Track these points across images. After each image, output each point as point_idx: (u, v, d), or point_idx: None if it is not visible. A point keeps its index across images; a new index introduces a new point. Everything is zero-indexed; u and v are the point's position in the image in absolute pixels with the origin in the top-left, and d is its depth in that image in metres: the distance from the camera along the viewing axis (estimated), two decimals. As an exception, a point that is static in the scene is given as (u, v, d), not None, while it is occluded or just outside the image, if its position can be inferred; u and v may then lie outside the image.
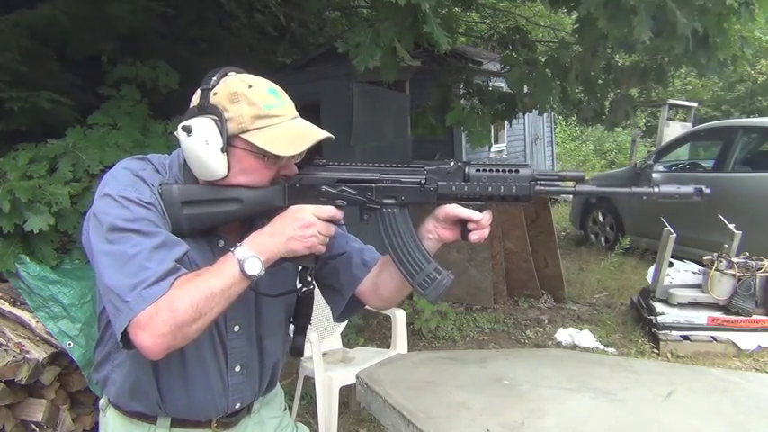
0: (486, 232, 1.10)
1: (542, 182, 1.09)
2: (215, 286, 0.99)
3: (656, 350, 3.81)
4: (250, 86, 1.07)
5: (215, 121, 1.05)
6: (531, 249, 4.65)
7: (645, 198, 1.08)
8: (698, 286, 4.05)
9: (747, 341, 3.71)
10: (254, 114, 1.06)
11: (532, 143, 11.09)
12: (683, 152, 6.78)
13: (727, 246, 3.94)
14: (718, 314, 3.84)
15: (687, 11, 2.68)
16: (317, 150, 1.11)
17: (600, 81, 4.08)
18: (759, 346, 3.70)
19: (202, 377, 1.14)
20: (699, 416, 1.33)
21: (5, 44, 2.94)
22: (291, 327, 1.29)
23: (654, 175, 1.11)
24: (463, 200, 1.09)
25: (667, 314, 3.92)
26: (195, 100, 1.09)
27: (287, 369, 3.00)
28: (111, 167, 1.11)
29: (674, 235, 3.94)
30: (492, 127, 6.17)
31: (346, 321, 3.14)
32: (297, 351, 1.26)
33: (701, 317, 3.85)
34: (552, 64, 3.84)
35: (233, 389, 1.19)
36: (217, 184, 1.09)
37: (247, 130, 1.05)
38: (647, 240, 5.78)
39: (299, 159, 1.13)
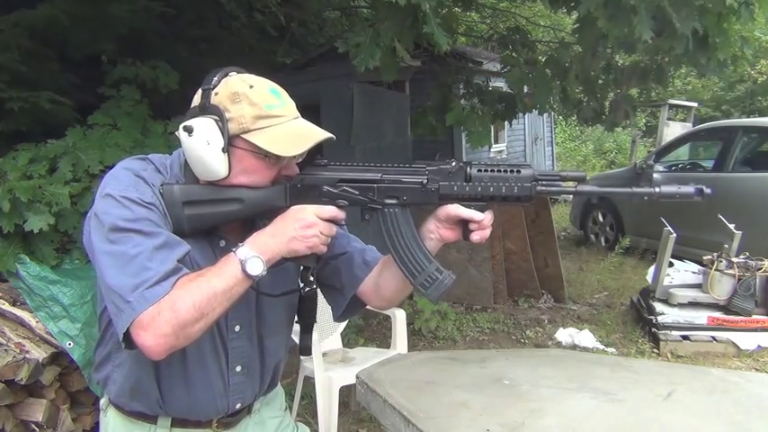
0: (487, 232, 1.10)
1: (544, 182, 1.09)
2: (217, 286, 0.99)
3: (656, 350, 3.81)
4: (251, 86, 1.07)
5: (216, 121, 1.05)
6: (531, 249, 4.65)
7: (646, 198, 1.09)
8: (698, 286, 4.05)
9: (747, 341, 3.71)
10: (256, 114, 1.06)
11: (532, 143, 11.10)
12: (683, 152, 6.78)
13: (727, 246, 3.94)
14: (718, 314, 3.84)
15: (687, 11, 2.68)
16: (317, 150, 1.11)
17: (600, 81, 4.08)
18: (759, 346, 3.70)
19: (203, 377, 1.14)
20: (699, 416, 1.33)
21: (5, 44, 2.95)
22: (296, 327, 1.29)
23: (654, 176, 1.11)
24: (465, 200, 1.09)
25: (667, 314, 3.92)
26: (196, 100, 1.09)
27: (287, 369, 2.99)
28: (111, 167, 1.11)
29: (674, 235, 3.94)
30: (492, 127, 6.17)
31: (346, 321, 3.15)
32: (305, 350, 1.26)
33: (701, 317, 3.85)
34: (552, 64, 3.84)
35: (234, 389, 1.19)
36: (218, 185, 1.09)
37: (249, 131, 1.05)
38: (647, 240, 5.78)
39: (300, 159, 1.12)
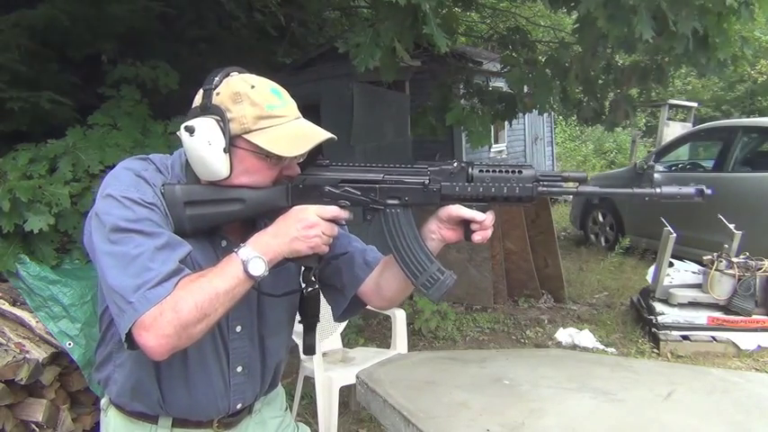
0: (489, 233, 1.10)
1: (545, 182, 1.09)
2: (219, 287, 0.99)
3: (656, 350, 3.81)
4: (253, 87, 1.07)
5: (217, 121, 1.05)
6: (531, 249, 4.65)
7: (647, 199, 1.09)
8: (698, 286, 4.05)
9: (747, 341, 3.71)
10: (257, 115, 1.05)
11: (532, 143, 11.09)
12: (683, 152, 6.78)
13: (727, 246, 3.94)
14: (718, 314, 3.84)
15: (687, 11, 2.69)
16: (318, 151, 1.11)
17: (600, 81, 4.08)
18: (759, 346, 3.70)
19: (204, 377, 1.14)
20: (699, 416, 1.33)
21: (5, 44, 2.95)
22: (297, 327, 1.29)
23: (655, 176, 1.11)
24: (466, 200, 1.09)
25: (667, 314, 3.92)
26: (198, 100, 1.09)
27: (287, 369, 2.99)
28: (111, 167, 1.10)
29: (674, 235, 3.94)
30: (492, 127, 6.16)
31: (346, 321, 3.15)
32: (309, 349, 1.26)
33: (701, 317, 3.85)
34: (552, 64, 3.84)
35: (235, 389, 1.19)
36: (219, 185, 1.09)
37: (250, 131, 1.05)
38: (647, 240, 5.78)
39: (301, 160, 1.12)
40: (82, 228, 2.36)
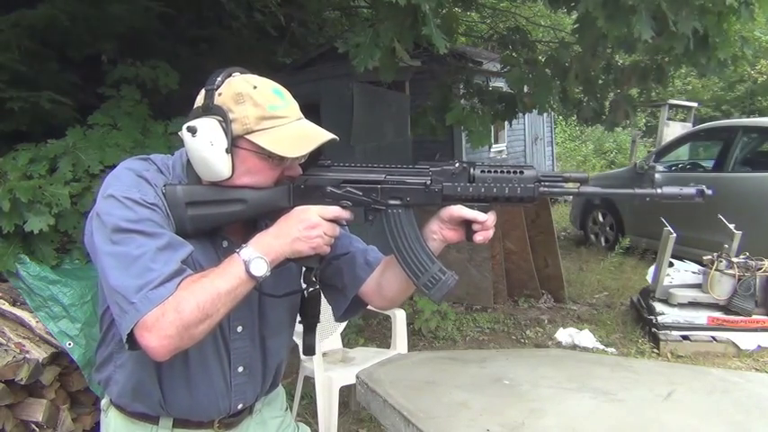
0: (490, 233, 1.10)
1: (546, 183, 1.09)
2: (221, 287, 0.99)
3: (656, 350, 3.81)
4: (255, 87, 1.07)
5: (220, 121, 1.05)
6: (531, 249, 4.65)
7: (648, 199, 1.09)
8: (698, 286, 4.05)
9: (747, 341, 3.71)
10: (259, 115, 1.05)
11: (532, 143, 11.09)
12: (683, 152, 6.78)
13: (727, 246, 3.94)
14: (718, 314, 3.84)
15: (687, 11, 2.69)
16: (318, 151, 1.11)
17: (600, 81, 4.08)
18: (759, 346, 3.70)
19: (205, 378, 1.14)
20: (699, 416, 1.33)
21: (5, 44, 2.95)
22: (298, 327, 1.29)
23: (656, 176, 1.12)
24: (468, 201, 1.10)
25: (667, 314, 3.92)
26: (199, 100, 1.09)
27: (287, 369, 2.99)
28: (111, 167, 1.10)
29: (674, 235, 3.94)
30: (492, 127, 6.16)
31: (346, 321, 3.14)
32: (308, 350, 1.26)
33: (701, 317, 3.85)
34: (552, 64, 3.84)
35: (236, 389, 1.19)
36: (221, 185, 1.09)
37: (252, 131, 1.05)
38: (647, 240, 5.78)
39: (303, 160, 1.12)
40: (82, 228, 2.36)
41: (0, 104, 2.90)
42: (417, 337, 4.01)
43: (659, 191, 1.08)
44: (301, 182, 1.12)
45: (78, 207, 2.52)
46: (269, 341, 1.22)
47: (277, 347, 1.25)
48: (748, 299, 3.77)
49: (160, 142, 2.85)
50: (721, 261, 3.87)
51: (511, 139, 10.32)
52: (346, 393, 2.87)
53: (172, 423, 1.17)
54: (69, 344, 2.30)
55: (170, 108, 3.06)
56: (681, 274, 4.28)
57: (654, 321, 3.91)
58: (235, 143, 1.06)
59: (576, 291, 5.06)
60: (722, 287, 3.84)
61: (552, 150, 12.38)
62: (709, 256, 3.97)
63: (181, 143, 1.10)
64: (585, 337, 3.99)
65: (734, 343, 3.72)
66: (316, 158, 1.13)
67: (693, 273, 4.22)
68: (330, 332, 2.98)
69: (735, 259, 3.86)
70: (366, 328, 4.13)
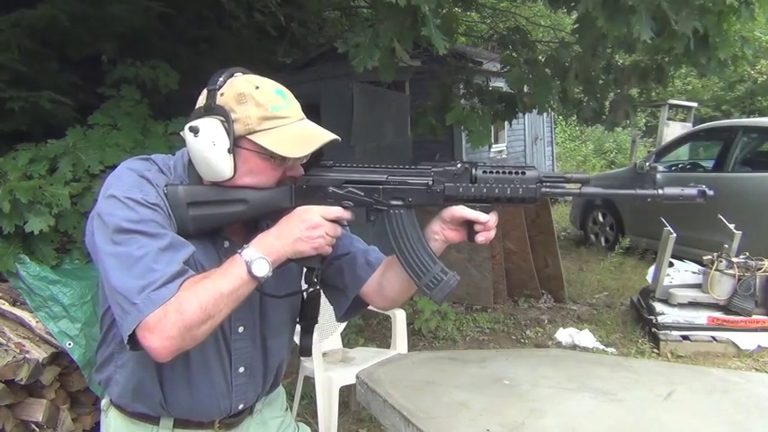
0: (492, 233, 1.10)
1: (548, 183, 1.10)
2: (223, 288, 0.99)
3: (656, 350, 3.81)
4: (257, 87, 1.07)
5: (222, 121, 1.05)
6: (531, 249, 4.66)
7: (649, 200, 1.09)
8: (698, 286, 4.05)
9: (747, 341, 3.71)
10: (262, 115, 1.05)
11: (532, 143, 11.09)
12: (683, 152, 6.78)
13: (727, 246, 3.94)
14: (718, 314, 3.84)
15: (687, 11, 2.68)
16: (320, 151, 1.11)
17: (600, 81, 4.08)
18: (759, 346, 3.70)
19: (206, 378, 1.14)
20: (699, 416, 1.33)
21: (5, 44, 2.95)
22: (297, 327, 1.29)
23: (657, 177, 1.12)
24: (470, 201, 1.10)
25: (667, 314, 3.92)
26: (201, 100, 1.09)
27: (287, 369, 3.00)
28: (111, 168, 1.11)
29: (674, 235, 3.94)
30: (492, 127, 6.17)
31: (346, 321, 3.14)
32: (305, 351, 1.27)
33: (701, 317, 3.85)
34: (552, 63, 3.84)
35: (236, 390, 1.19)
36: (223, 185, 1.09)
37: (254, 132, 1.05)
38: (647, 240, 5.78)
39: (305, 161, 1.12)
40: (82, 228, 2.37)
41: (0, 104, 2.89)
42: (417, 337, 4.01)
43: (660, 192, 1.08)
44: (303, 182, 1.12)
45: (78, 207, 2.52)
46: (270, 341, 1.22)
47: (278, 348, 1.25)
48: (748, 299, 3.77)
49: (160, 142, 2.84)
50: (721, 261, 3.87)
51: (511, 139, 10.32)
52: (346, 393, 2.87)
53: (172, 423, 1.17)
54: (69, 344, 2.30)
55: (170, 108, 3.06)
56: (681, 274, 4.28)
57: (654, 321, 3.91)
58: (237, 143, 1.06)
59: (576, 291, 5.06)
60: (722, 287, 3.84)
61: (552, 150, 12.38)
62: (709, 256, 3.97)
63: (181, 143, 1.10)
64: (585, 337, 3.99)
65: (734, 343, 3.72)
66: (317, 159, 1.13)
67: (693, 273, 4.22)
68: (330, 332, 2.98)
69: (735, 259, 3.86)
70: (366, 328, 4.13)
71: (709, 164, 6.07)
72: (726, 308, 3.84)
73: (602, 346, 3.90)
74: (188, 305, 0.96)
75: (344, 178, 1.12)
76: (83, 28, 3.26)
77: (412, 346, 3.47)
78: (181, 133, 1.09)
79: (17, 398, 2.23)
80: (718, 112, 14.34)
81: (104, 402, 1.24)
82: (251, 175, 1.08)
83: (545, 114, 10.00)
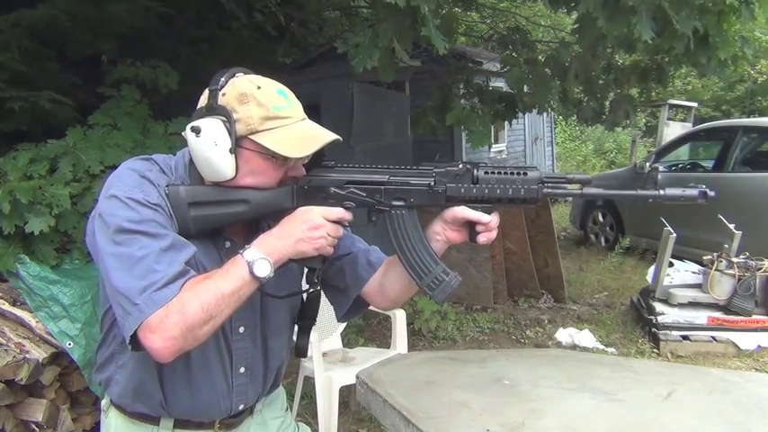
0: (494, 234, 1.10)
1: (550, 184, 1.10)
2: (225, 288, 0.99)
3: (656, 350, 3.81)
4: (259, 87, 1.07)
5: (224, 121, 1.05)
6: (531, 249, 4.66)
7: (650, 201, 1.09)
8: (698, 286, 4.05)
9: (747, 341, 3.71)
10: (263, 116, 1.05)
11: (532, 143, 11.09)
12: (683, 152, 6.78)
13: (727, 246, 3.95)
14: (718, 314, 3.84)
15: (687, 11, 2.68)
16: (322, 152, 1.11)
17: (600, 81, 4.08)
18: (759, 346, 3.70)
19: (207, 378, 1.14)
20: (699, 416, 1.33)
21: (5, 44, 2.95)
22: (295, 327, 1.29)
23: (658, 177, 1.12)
24: (472, 202, 1.10)
25: (667, 314, 3.92)
26: (203, 100, 1.09)
27: (287, 369, 3.00)
28: (111, 168, 1.11)
29: (674, 235, 3.94)
30: (492, 127, 6.17)
31: (347, 321, 3.14)
32: (301, 351, 1.27)
33: (701, 317, 3.85)
34: (552, 63, 3.83)
35: (237, 390, 1.19)
36: (224, 186, 1.09)
37: (256, 132, 1.05)
38: (647, 240, 5.78)
39: (306, 161, 1.12)
40: (82, 228, 2.37)
41: (0, 104, 2.89)
42: (417, 337, 4.01)
43: (662, 192, 1.08)
44: (305, 182, 1.12)
45: (78, 207, 2.52)
46: (270, 342, 1.22)
47: (278, 348, 1.25)
48: (748, 299, 3.77)
49: (160, 142, 2.84)
50: (721, 261, 3.88)
51: (511, 139, 10.32)
52: (346, 393, 2.87)
53: (173, 424, 1.17)
54: (69, 344, 2.30)
55: (170, 108, 3.06)
56: (681, 274, 4.28)
57: (654, 321, 3.91)
58: (238, 143, 1.06)
59: (576, 291, 5.06)
60: (722, 287, 3.84)
61: (552, 150, 12.38)
62: (709, 256, 3.98)
63: (182, 143, 1.10)
64: (585, 337, 3.99)
65: (734, 343, 3.72)
66: (319, 159, 1.13)
67: (693, 273, 4.22)
68: (330, 332, 2.98)
69: (735, 259, 3.86)
70: (366, 328, 4.13)
71: (709, 164, 6.07)
72: (726, 308, 3.84)
73: (602, 346, 3.90)
74: (190, 305, 0.96)
75: (346, 179, 1.12)
76: (83, 28, 3.26)
77: (412, 346, 3.47)
78: (182, 133, 1.09)
79: (17, 398, 2.23)
80: (718, 112, 14.33)
81: (104, 402, 1.24)
82: (252, 176, 1.08)
83: (545, 114, 9.99)
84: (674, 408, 1.36)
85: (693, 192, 1.08)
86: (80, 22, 3.20)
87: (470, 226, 1.11)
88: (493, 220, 1.09)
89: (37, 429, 2.27)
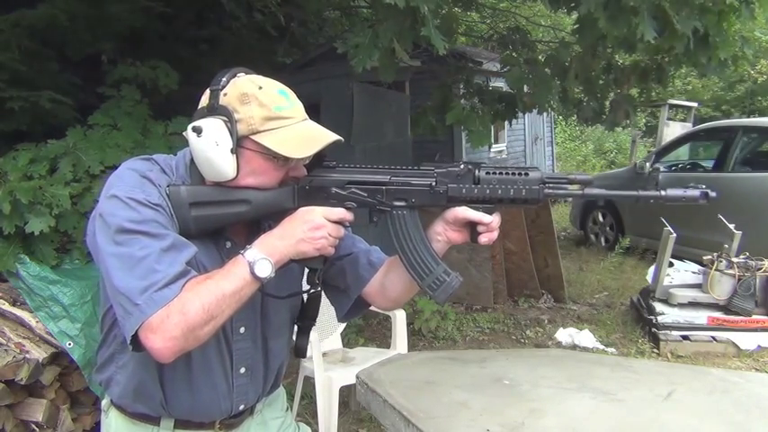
0: (495, 234, 1.10)
1: (551, 185, 1.10)
2: (226, 289, 0.99)
3: (656, 350, 3.81)
4: (260, 88, 1.07)
5: (225, 122, 1.05)
6: (531, 249, 4.66)
7: (652, 201, 1.09)
8: (698, 286, 4.05)
9: (747, 341, 3.72)
10: (265, 116, 1.05)
11: (532, 143, 11.09)
12: (683, 152, 6.78)
13: (727, 246, 3.95)
14: (718, 314, 3.84)
15: (687, 10, 2.68)
16: (323, 152, 1.11)
17: (600, 81, 4.08)
18: (759, 346, 3.70)
19: (207, 379, 1.14)
20: (699, 416, 1.33)
21: (5, 44, 2.95)
22: (295, 327, 1.29)
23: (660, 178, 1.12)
24: (473, 202, 1.10)
25: (667, 314, 3.92)
26: (204, 100, 1.09)
27: (287, 369, 3.00)
28: (111, 168, 1.11)
29: (674, 235, 3.94)
30: (492, 127, 6.17)
31: (347, 321, 3.14)
32: (300, 352, 1.27)
33: (701, 317, 3.85)
34: (552, 63, 3.83)
35: (237, 390, 1.19)
36: (225, 186, 1.09)
37: (257, 132, 1.05)
38: (647, 240, 5.78)
39: (307, 161, 1.12)
40: (82, 228, 2.37)
41: (0, 104, 2.89)
42: (417, 337, 4.01)
43: (663, 193, 1.08)
44: (306, 183, 1.12)
45: (79, 207, 2.52)
46: (271, 342, 1.22)
47: (279, 348, 1.25)
48: (748, 299, 3.77)
49: (160, 142, 2.84)
50: (721, 261, 3.88)
51: (511, 139, 10.32)
52: (346, 393, 2.87)
53: (173, 424, 1.17)
54: (69, 344, 2.30)
55: (170, 108, 3.06)
56: (681, 274, 4.28)
57: (654, 321, 3.91)
58: (240, 143, 1.05)
59: (576, 291, 5.06)
60: (722, 287, 3.84)
61: (552, 150, 12.38)
62: (709, 256, 3.98)
63: (182, 143, 1.10)
64: (585, 337, 3.99)
65: (734, 343, 3.72)
66: (320, 159, 1.13)
67: (693, 273, 4.22)
68: (330, 332, 2.98)
69: (735, 259, 3.86)
70: (366, 328, 4.13)
71: (709, 164, 6.07)
72: (726, 308, 3.84)
73: (602, 346, 3.90)
74: (191, 306, 0.95)
75: (347, 179, 1.12)
76: (83, 28, 3.26)
77: (412, 346, 3.47)
78: (183, 133, 1.09)
79: (17, 398, 2.23)
80: (718, 112, 14.33)
81: (105, 403, 1.24)
82: (254, 176, 1.08)
83: (545, 114, 9.99)
84: (674, 408, 1.36)
85: (695, 192, 1.08)
86: (80, 22, 3.20)
87: (471, 226, 1.11)
88: (494, 220, 1.09)
89: (37, 429, 2.27)
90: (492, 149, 9.30)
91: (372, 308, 1.33)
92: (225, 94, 1.06)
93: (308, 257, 1.08)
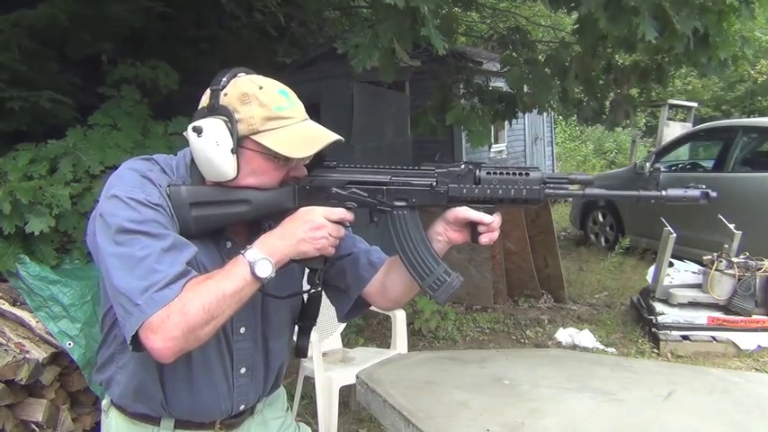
0: (496, 234, 1.10)
1: (551, 185, 1.09)
2: (226, 289, 0.99)
3: (656, 350, 3.81)
4: (261, 87, 1.07)
5: (225, 122, 1.05)
6: (531, 249, 4.66)
7: (652, 201, 1.09)
8: (698, 286, 4.05)
9: (747, 341, 3.72)
10: (265, 116, 1.05)
11: (532, 143, 11.09)
12: (683, 152, 6.78)
13: (727, 246, 3.95)
14: (718, 314, 3.84)
15: (688, 10, 2.69)
16: (323, 152, 1.11)
17: (600, 81, 4.08)
18: (759, 346, 3.70)
19: (208, 379, 1.14)
20: (699, 416, 1.33)
21: (5, 44, 2.95)
22: (295, 328, 1.29)
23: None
24: (473, 202, 1.10)
25: (667, 314, 3.92)
26: (205, 100, 1.09)
27: (287, 369, 3.00)
28: (111, 168, 1.11)
29: (674, 235, 3.94)
30: (492, 127, 6.16)
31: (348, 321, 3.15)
32: (301, 352, 1.27)
33: (701, 317, 3.85)
34: (552, 63, 3.83)
35: (238, 391, 1.19)
36: (225, 186, 1.09)
37: (258, 132, 1.05)
38: (647, 240, 5.78)
39: (308, 161, 1.12)
40: (82, 228, 2.37)
41: (0, 104, 2.89)
42: (417, 337, 4.01)
43: (664, 193, 1.08)
44: (306, 183, 1.12)
45: (79, 207, 2.52)
46: (271, 342, 1.22)
47: (279, 348, 1.25)
48: (748, 299, 3.77)
49: (160, 143, 2.84)
50: (721, 261, 3.88)
51: (511, 139, 10.32)
52: (346, 393, 2.87)
53: (173, 424, 1.17)
54: (69, 344, 2.30)
55: (170, 108, 3.06)
56: (681, 274, 4.28)
57: (654, 321, 3.91)
58: (240, 143, 1.05)
59: (576, 291, 5.06)
60: (722, 287, 3.84)
61: (552, 150, 12.38)
62: (709, 256, 3.97)
63: (182, 143, 1.10)
64: (585, 337, 3.99)
65: (734, 343, 3.72)
66: (320, 159, 1.13)
67: (693, 273, 4.22)
68: (330, 332, 2.98)
69: (735, 259, 3.86)
70: (366, 328, 4.13)
71: (709, 164, 6.07)
72: (726, 308, 3.84)
73: (602, 346, 3.90)
74: (191, 306, 0.95)
75: (348, 179, 1.12)
76: (83, 28, 3.26)
77: (412, 346, 3.47)
78: (184, 133, 1.09)
79: (17, 398, 2.23)
80: (718, 112, 14.33)
81: (105, 403, 1.24)
82: (254, 176, 1.08)
83: (545, 114, 10.00)
84: (674, 408, 1.36)
85: (696, 192, 1.08)
86: (80, 22, 3.20)
87: (472, 226, 1.11)
88: (495, 220, 1.09)
89: (37, 429, 2.27)
90: (492, 149, 9.30)
91: (372, 308, 1.33)
92: (225, 94, 1.06)
93: (308, 257, 1.08)
